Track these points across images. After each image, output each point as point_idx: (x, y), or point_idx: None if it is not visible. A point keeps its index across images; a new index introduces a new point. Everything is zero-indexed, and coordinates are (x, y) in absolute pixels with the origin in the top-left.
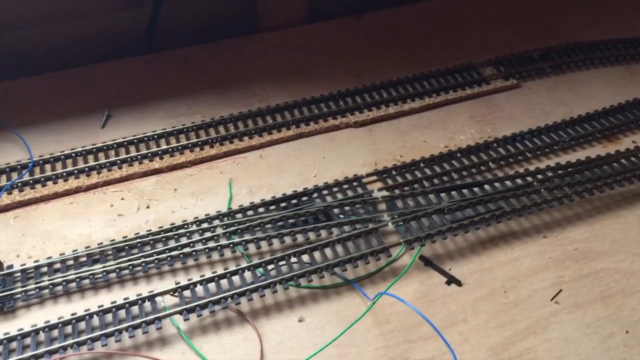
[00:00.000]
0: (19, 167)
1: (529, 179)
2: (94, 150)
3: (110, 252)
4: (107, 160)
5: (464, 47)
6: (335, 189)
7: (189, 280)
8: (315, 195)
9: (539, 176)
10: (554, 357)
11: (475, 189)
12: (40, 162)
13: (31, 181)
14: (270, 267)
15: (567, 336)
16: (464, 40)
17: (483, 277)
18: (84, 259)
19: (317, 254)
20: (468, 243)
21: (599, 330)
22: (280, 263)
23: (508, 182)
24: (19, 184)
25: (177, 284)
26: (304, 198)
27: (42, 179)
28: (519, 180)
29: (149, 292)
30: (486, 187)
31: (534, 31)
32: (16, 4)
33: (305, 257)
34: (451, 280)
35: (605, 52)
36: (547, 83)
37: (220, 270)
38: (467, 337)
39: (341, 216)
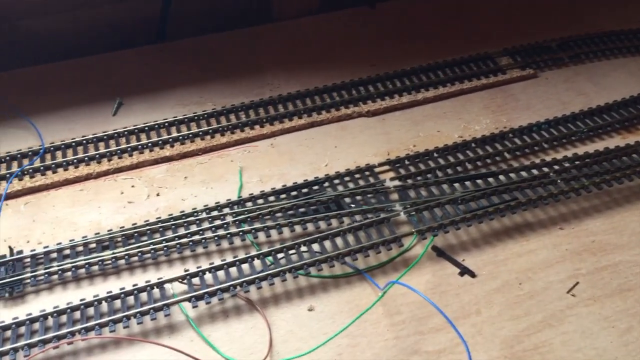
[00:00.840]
0: (30, 153)
1: (545, 169)
2: (105, 137)
3: (119, 239)
4: (117, 148)
5: (480, 36)
6: (346, 178)
7: (198, 267)
8: (326, 184)
9: (556, 167)
10: (570, 351)
11: (490, 179)
12: (51, 148)
13: (42, 167)
14: (280, 255)
15: (584, 329)
16: (479, 29)
17: (497, 268)
18: (93, 245)
19: (327, 243)
20: (481, 234)
21: (617, 324)
22: (290, 252)
23: (523, 173)
24: (30, 171)
25: (186, 271)
26: (315, 187)
27: (53, 165)
28: (534, 171)
29: (158, 279)
30: (501, 177)
31: (552, 20)
32: None
33: (315, 246)
34: (464, 271)
35: (625, 42)
36: (565, 73)
37: (229, 259)
38: (481, 329)
39: (352, 205)
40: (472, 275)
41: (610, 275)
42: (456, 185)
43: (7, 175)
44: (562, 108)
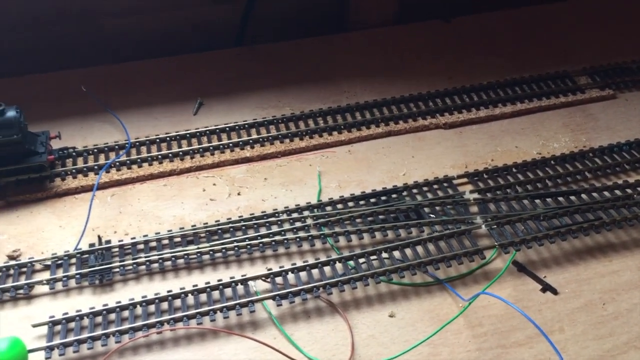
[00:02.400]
0: (116, 147)
1: (629, 190)
2: (188, 135)
3: (203, 235)
4: (200, 146)
5: (557, 54)
6: (425, 188)
7: (280, 267)
8: (405, 193)
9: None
10: None
11: (572, 198)
12: (137, 144)
13: (128, 161)
14: (361, 260)
15: None
16: (557, 47)
17: (580, 287)
18: (178, 239)
19: (408, 251)
20: (563, 252)
21: None
22: (372, 257)
23: (606, 193)
24: (117, 164)
25: (268, 270)
26: (394, 195)
27: (139, 160)
28: (617, 192)
29: (242, 276)
30: (583, 196)
31: (632, 41)
32: None
33: (396, 254)
34: (546, 287)
35: None
36: None
37: (310, 260)
38: (564, 347)
39: (432, 215)
40: (555, 292)
41: None
42: (537, 201)
43: (96, 167)
44: None
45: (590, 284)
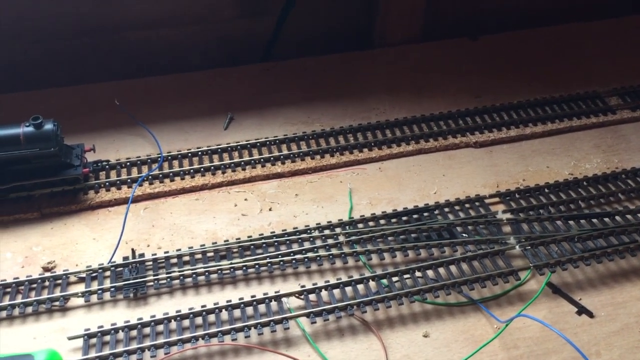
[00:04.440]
0: (149, 161)
1: None
2: (219, 150)
3: (236, 250)
4: (231, 161)
5: (587, 74)
6: (457, 207)
7: (313, 284)
8: (436, 211)
9: None
10: None
11: (606, 220)
12: (169, 157)
13: (160, 175)
14: (394, 279)
15: None
16: (586, 67)
17: (616, 310)
18: (211, 254)
19: (442, 271)
20: (598, 274)
21: None
22: (405, 276)
23: None
24: (149, 177)
25: (301, 287)
26: (426, 214)
27: (171, 174)
28: None
29: (275, 292)
30: (617, 218)
31: None
32: (141, 7)
33: (430, 273)
34: (582, 310)
35: None
36: None
37: (343, 278)
38: None
39: (464, 235)
40: (590, 315)
41: None
42: (571, 222)
43: (129, 180)
44: None
45: (626, 307)
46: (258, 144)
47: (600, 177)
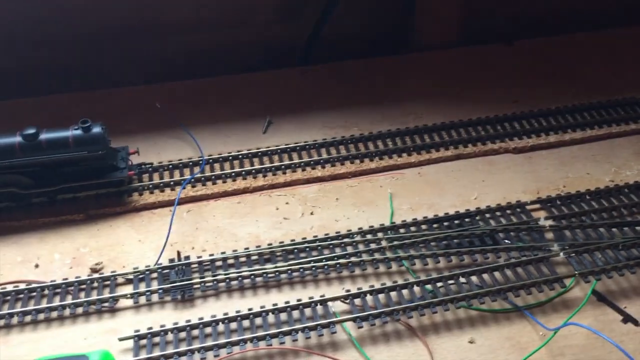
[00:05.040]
0: (190, 164)
1: None
2: (259, 153)
3: (279, 254)
4: (272, 165)
5: (626, 80)
6: (498, 213)
7: (358, 289)
8: (478, 217)
9: None
10: None
11: None
12: (210, 160)
13: (203, 178)
14: (438, 284)
15: None
16: (625, 73)
17: None
18: (255, 257)
19: (486, 277)
20: None
21: None
22: (449, 282)
23: None
24: (192, 180)
25: (346, 291)
26: (467, 219)
27: (213, 177)
28: None
29: (320, 297)
30: None
31: None
32: (180, 12)
33: (474, 279)
34: (628, 318)
35: None
36: None
37: (387, 283)
38: None
39: (507, 241)
40: (636, 323)
41: None
42: (614, 230)
43: (172, 183)
44: None
45: None
46: (298, 147)
47: None
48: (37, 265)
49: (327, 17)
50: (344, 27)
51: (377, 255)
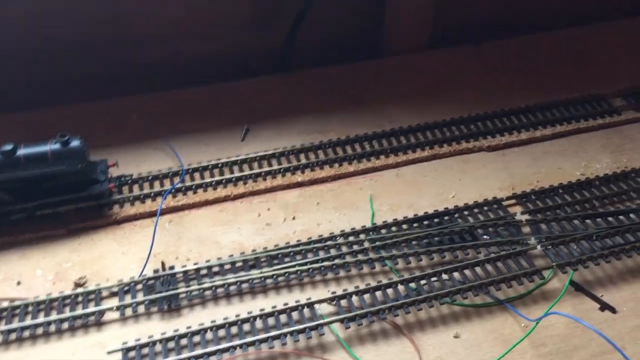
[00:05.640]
0: (170, 174)
1: None
2: (239, 161)
3: (264, 259)
4: (252, 172)
5: (592, 77)
6: (476, 210)
7: (344, 290)
8: (456, 215)
9: None
10: None
11: (621, 217)
12: (190, 170)
13: (183, 188)
14: (422, 282)
15: None
16: (590, 70)
17: (637, 305)
18: (240, 264)
19: (468, 272)
20: (617, 271)
21: None
22: (433, 279)
23: None
24: (173, 190)
25: (332, 293)
26: (446, 217)
27: (194, 186)
28: None
29: (307, 300)
30: (631, 215)
31: None
32: (156, 23)
33: (456, 275)
34: (605, 306)
35: None
36: None
37: (372, 283)
38: None
39: (486, 237)
40: (613, 311)
41: None
42: (588, 221)
43: (152, 194)
44: None
45: None
46: (277, 154)
47: (612, 177)
48: (19, 283)
49: (299, 24)
50: (317, 34)
51: (360, 257)
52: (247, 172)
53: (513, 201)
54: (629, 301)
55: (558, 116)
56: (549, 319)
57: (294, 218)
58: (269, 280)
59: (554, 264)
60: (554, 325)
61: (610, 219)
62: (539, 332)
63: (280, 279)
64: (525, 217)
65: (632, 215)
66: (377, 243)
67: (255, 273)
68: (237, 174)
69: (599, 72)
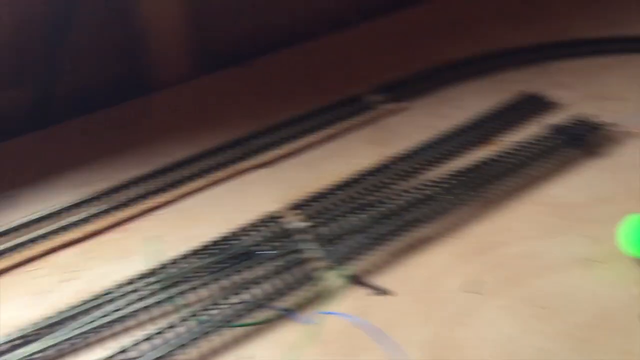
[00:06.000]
0: None
1: (425, 187)
2: (2, 233)
3: (46, 328)
4: (19, 241)
5: (349, 80)
6: (254, 228)
7: (121, 347)
8: (236, 237)
9: (439, 184)
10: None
11: (388, 203)
12: None
13: None
14: (213, 312)
15: (490, 322)
16: (345, 73)
17: (412, 282)
18: (20, 341)
19: (254, 291)
20: (391, 255)
21: (516, 312)
22: (221, 306)
23: (413, 192)
24: None
25: (122, 347)
26: (224, 243)
27: None
28: (426, 191)
29: None
30: (394, 198)
31: (411, 56)
32: None
33: (246, 297)
34: (381, 291)
35: (474, 67)
36: (429, 101)
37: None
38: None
39: (265, 253)
40: (388, 293)
41: (502, 269)
42: (362, 215)
43: None
44: (433, 131)
45: (416, 276)
46: (45, 215)
47: (375, 170)
48: None
49: (54, 76)
50: (77, 81)
51: (151, 300)
52: (12, 242)
53: (291, 212)
54: (405, 280)
55: (323, 121)
56: (331, 318)
57: (74, 278)
58: (50, 352)
59: (330, 263)
60: (335, 324)
61: (380, 207)
62: (323, 334)
63: (64, 346)
64: (304, 224)
65: (395, 199)
66: (164, 283)
67: (33, 348)
68: (8, 244)
69: (353, 73)
